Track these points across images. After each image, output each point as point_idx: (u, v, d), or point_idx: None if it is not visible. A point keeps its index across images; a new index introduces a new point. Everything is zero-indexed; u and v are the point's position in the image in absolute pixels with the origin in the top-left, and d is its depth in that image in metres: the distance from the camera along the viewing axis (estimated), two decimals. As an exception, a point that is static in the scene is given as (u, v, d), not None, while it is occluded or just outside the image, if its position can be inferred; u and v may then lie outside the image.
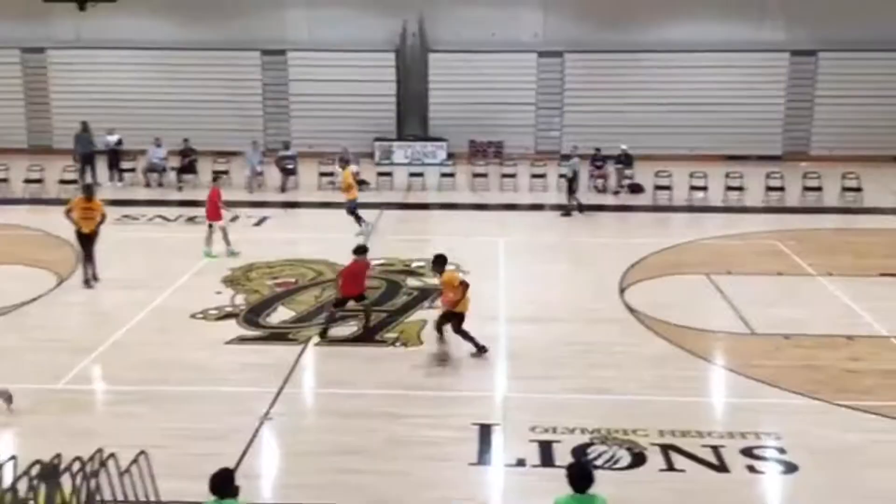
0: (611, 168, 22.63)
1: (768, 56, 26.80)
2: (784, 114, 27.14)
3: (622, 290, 14.31)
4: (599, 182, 22.47)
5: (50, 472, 5.91)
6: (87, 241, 14.11)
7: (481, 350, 11.36)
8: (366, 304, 12.40)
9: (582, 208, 19.98)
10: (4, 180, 21.19)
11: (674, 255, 16.52)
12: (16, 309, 13.03)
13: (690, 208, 20.85)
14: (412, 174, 22.87)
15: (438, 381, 10.66)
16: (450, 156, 25.41)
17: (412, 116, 27.51)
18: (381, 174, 22.92)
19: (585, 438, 9.14)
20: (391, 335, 12.19)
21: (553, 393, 10.31)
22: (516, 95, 26.75)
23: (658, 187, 21.46)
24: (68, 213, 14.24)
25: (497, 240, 17.58)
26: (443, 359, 11.42)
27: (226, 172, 22.42)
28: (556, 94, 27.12)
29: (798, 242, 17.30)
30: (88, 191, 14.65)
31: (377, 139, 26.24)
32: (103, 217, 14.39)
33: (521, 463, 8.69)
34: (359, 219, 17.70)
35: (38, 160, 22.84)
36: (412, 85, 27.45)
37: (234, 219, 17.11)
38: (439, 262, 11.64)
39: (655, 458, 8.75)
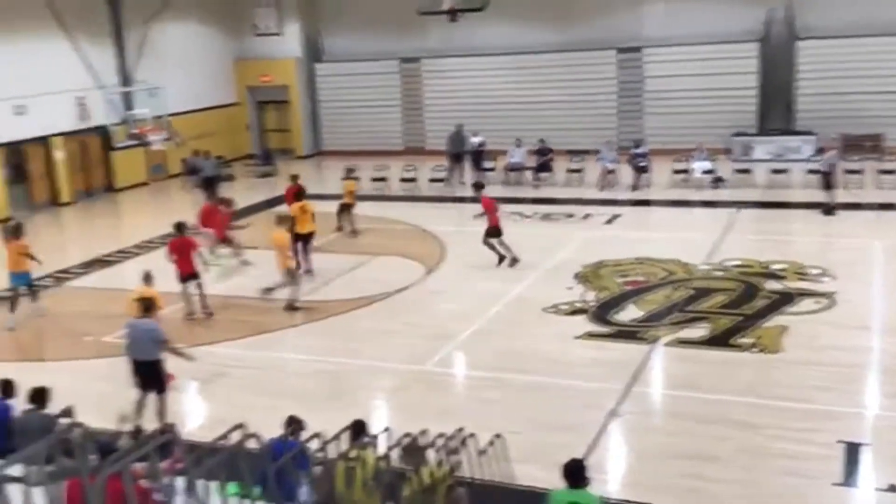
0: None
1: None
2: None
3: None
4: None
5: (418, 445, 6.48)
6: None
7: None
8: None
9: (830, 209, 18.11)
10: (384, 179, 23.48)
11: None
12: (391, 296, 14.40)
13: None
14: (774, 171, 21.54)
15: (801, 392, 9.93)
16: (819, 151, 23.49)
17: (775, 109, 25.85)
18: (739, 171, 21.88)
19: (978, 471, 7.99)
20: (747, 340, 11.60)
21: (937, 416, 9.14)
22: (901, 82, 23.97)
23: None
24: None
25: (872, 242, 15.94)
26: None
27: (579, 171, 22.84)
28: (955, 80, 23.82)
29: None
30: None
31: (736, 134, 25.05)
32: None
33: (893, 489, 7.83)
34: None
35: (412, 160, 25.03)
36: (777, 76, 25.80)
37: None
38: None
39: None
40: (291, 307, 13.72)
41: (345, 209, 18.70)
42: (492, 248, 15.54)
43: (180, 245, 13.45)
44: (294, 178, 17.97)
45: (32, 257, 13.75)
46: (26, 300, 13.90)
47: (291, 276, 13.75)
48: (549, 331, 12.44)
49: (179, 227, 13.71)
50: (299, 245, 15.37)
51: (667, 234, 17.74)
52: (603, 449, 8.95)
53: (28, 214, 22.60)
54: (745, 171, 21.82)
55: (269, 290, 13.87)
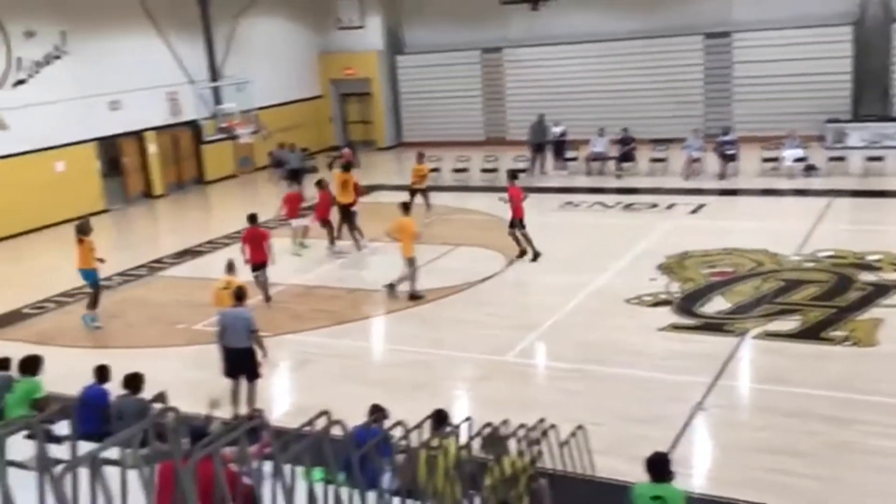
0: None
1: None
2: None
3: None
4: None
5: (499, 434, 6.51)
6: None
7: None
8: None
9: None
10: (465, 170, 23.52)
11: None
12: (471, 287, 14.44)
13: None
14: (870, 158, 20.73)
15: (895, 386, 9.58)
16: (917, 137, 22.55)
17: (870, 95, 24.84)
18: (832, 159, 21.14)
19: None
20: (839, 333, 11.24)
21: None
22: None
23: None
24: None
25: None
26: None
27: (663, 160, 22.46)
28: None
29: None
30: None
31: (829, 121, 24.21)
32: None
33: None
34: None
35: (493, 151, 25.00)
36: (872, 60, 24.77)
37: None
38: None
39: None
40: (414, 296, 13.84)
41: (413, 194, 19.24)
42: (516, 239, 15.54)
43: (253, 236, 13.97)
44: (350, 144, 18.45)
45: (96, 257, 13.55)
46: (85, 302, 13.87)
47: (412, 265, 13.85)
48: (631, 322, 12.29)
49: (252, 218, 14.21)
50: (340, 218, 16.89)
51: (755, 223, 17.28)
52: (687, 442, 8.82)
53: (123, 207, 23.49)
54: (839, 158, 21.08)
55: (392, 286, 13.97)
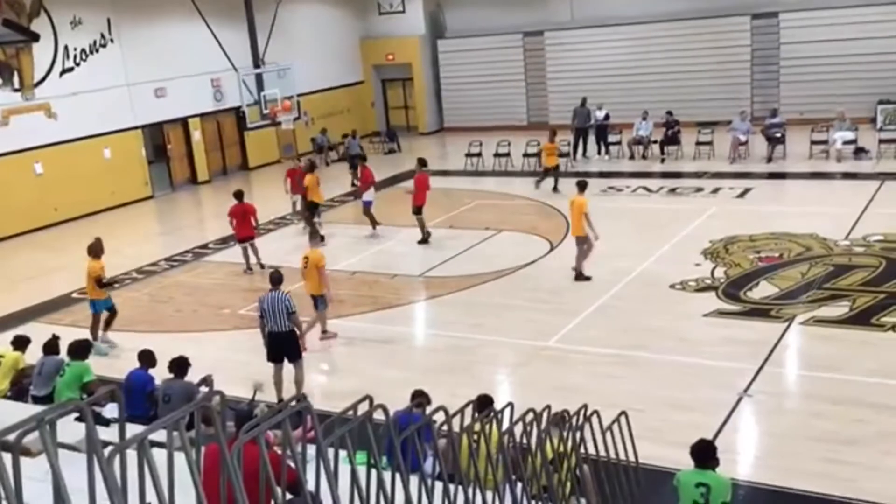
0: None
1: None
2: None
3: None
4: None
5: (563, 415, 6.54)
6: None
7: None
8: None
9: None
10: (507, 154, 23.38)
11: None
12: (514, 272, 14.40)
13: None
14: (922, 140, 20.21)
15: (948, 375, 9.35)
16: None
17: (924, 74, 24.20)
18: (883, 141, 20.64)
19: None
20: (890, 319, 10.99)
21: None
22: None
23: None
24: None
25: None
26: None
27: (709, 143, 22.11)
28: None
29: None
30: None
31: (881, 102, 23.61)
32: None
33: None
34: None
35: (536, 135, 24.83)
36: (926, 38, 24.11)
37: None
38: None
39: None
40: (581, 275, 13.72)
41: (547, 173, 20.08)
42: (422, 225, 16.37)
43: (241, 211, 15.02)
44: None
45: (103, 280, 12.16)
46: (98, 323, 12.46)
47: (583, 244, 13.75)
48: (675, 308, 12.15)
49: (239, 195, 15.18)
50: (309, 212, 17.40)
51: (803, 208, 16.96)
52: (732, 429, 8.70)
53: (169, 193, 23.82)
54: (891, 140, 20.57)
55: (579, 272, 13.82)
